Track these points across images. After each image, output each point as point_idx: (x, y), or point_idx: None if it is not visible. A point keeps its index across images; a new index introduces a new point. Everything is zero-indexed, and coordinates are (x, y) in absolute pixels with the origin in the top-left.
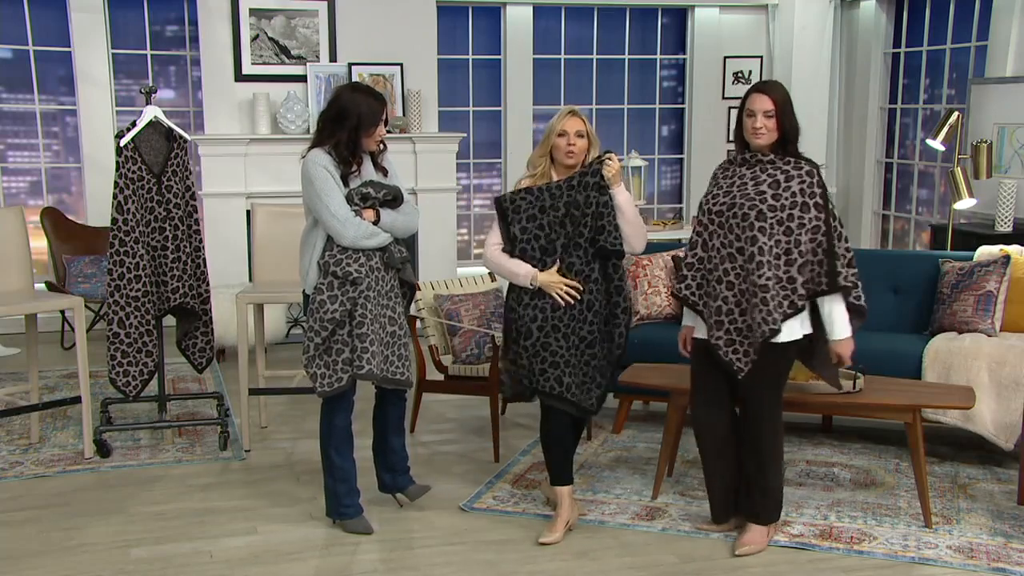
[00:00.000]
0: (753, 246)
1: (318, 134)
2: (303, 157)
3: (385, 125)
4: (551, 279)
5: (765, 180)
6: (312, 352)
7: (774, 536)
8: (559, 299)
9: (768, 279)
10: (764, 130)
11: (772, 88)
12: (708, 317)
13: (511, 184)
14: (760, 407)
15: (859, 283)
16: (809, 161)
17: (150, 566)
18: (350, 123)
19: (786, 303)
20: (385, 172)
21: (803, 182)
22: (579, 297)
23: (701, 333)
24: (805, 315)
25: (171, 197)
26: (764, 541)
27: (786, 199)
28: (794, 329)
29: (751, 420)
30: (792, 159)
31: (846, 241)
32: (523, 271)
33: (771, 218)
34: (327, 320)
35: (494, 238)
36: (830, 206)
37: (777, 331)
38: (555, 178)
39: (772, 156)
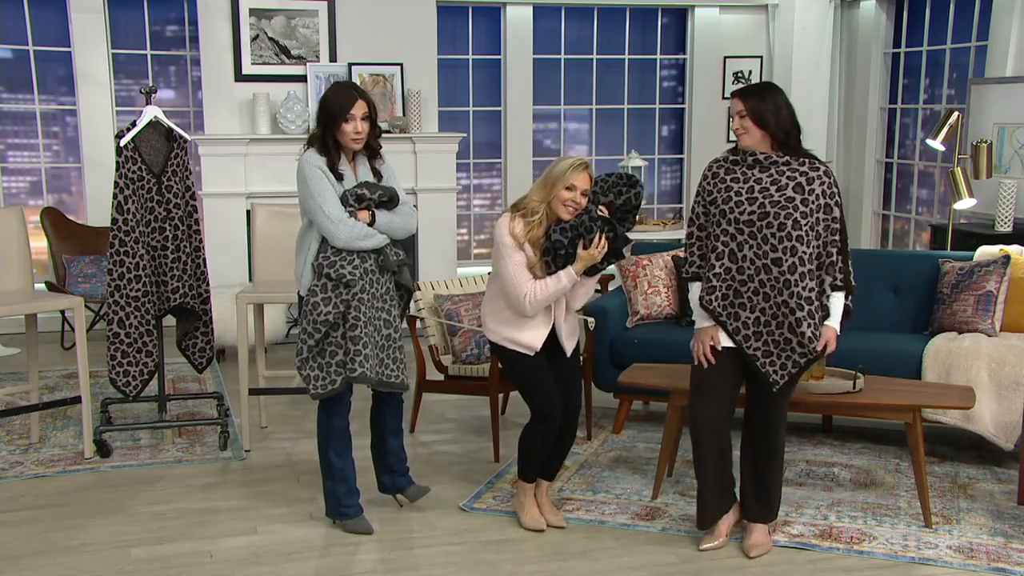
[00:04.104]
0: (793, 256)
1: (311, 135)
2: (299, 158)
3: (366, 122)
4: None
5: (788, 184)
6: (305, 354)
7: (774, 536)
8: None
9: (811, 290)
10: (742, 130)
11: (748, 91)
12: (737, 330)
13: (511, 185)
14: (782, 412)
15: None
16: (818, 160)
17: (150, 566)
18: (326, 117)
19: (820, 312)
20: (380, 176)
21: (823, 183)
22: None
23: (728, 341)
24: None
25: (171, 197)
26: (769, 540)
27: (812, 203)
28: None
29: (771, 424)
30: (807, 159)
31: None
32: (565, 278)
33: (804, 225)
34: (320, 322)
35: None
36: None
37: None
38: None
39: (786, 157)
